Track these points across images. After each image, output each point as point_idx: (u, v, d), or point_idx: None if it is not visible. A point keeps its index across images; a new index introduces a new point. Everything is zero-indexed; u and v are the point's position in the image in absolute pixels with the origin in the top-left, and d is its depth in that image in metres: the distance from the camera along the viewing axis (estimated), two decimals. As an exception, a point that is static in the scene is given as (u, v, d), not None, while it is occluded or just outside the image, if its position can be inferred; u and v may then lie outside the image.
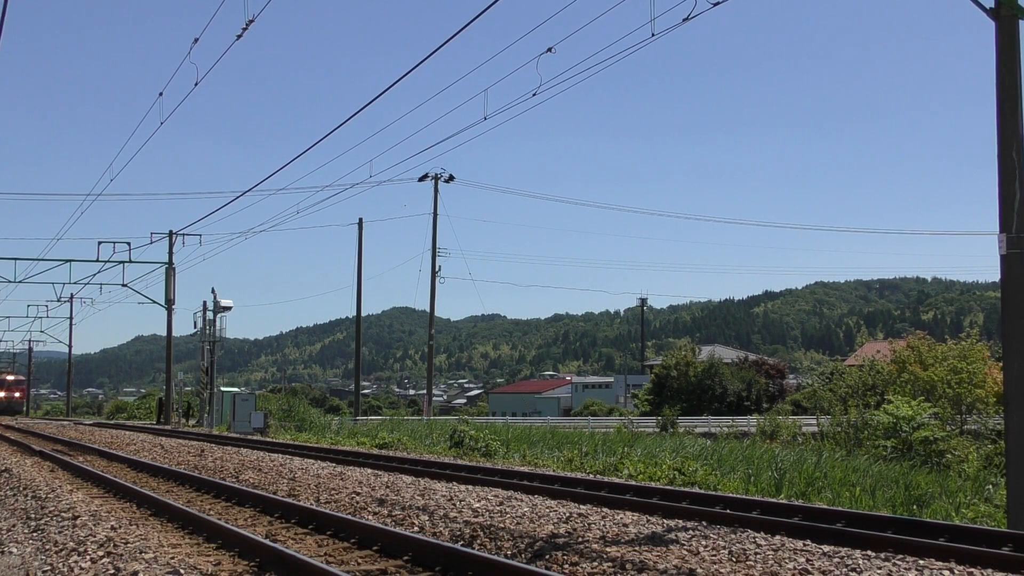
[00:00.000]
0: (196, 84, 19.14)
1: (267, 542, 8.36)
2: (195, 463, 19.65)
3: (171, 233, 49.47)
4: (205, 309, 45.10)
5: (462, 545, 8.91)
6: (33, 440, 31.07)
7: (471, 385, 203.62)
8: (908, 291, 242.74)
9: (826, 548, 8.50)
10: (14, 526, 10.68)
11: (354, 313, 52.37)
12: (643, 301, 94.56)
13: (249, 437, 31.23)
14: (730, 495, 12.76)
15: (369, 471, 16.92)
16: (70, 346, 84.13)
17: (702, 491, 13.82)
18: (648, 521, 10.27)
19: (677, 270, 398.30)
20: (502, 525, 10.03)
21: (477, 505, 11.63)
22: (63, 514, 11.05)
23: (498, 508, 11.32)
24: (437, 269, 50.55)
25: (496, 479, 14.82)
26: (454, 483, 14.60)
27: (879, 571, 7.51)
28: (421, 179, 49.81)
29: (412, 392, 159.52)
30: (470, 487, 13.85)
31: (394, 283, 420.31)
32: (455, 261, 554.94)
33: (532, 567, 7.27)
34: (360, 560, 8.32)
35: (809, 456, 20.00)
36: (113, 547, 8.65)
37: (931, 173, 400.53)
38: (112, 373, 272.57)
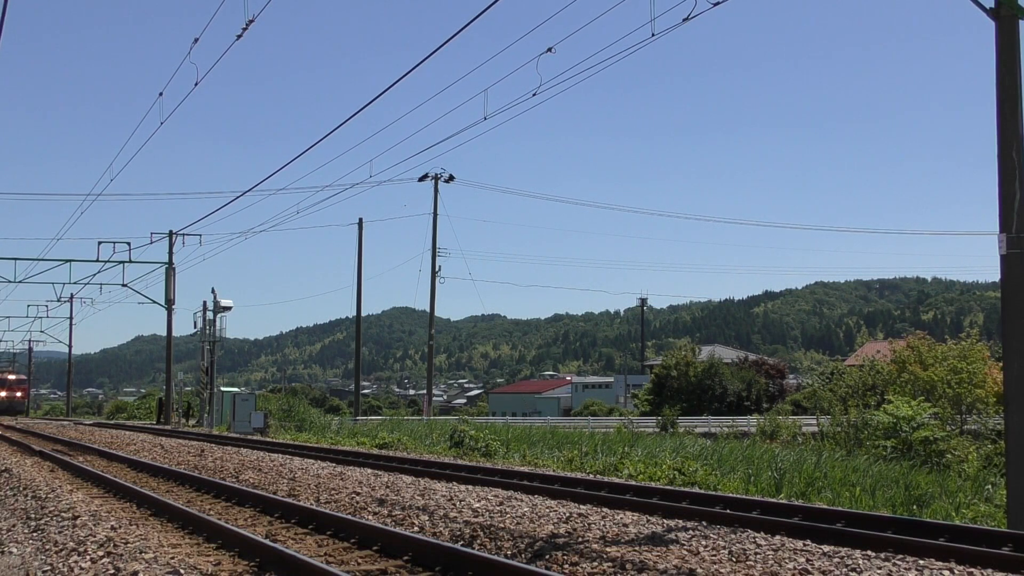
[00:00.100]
0: (196, 84, 19.18)
1: (267, 542, 8.36)
2: (195, 463, 19.65)
3: (171, 233, 49.53)
4: (205, 309, 45.14)
5: (462, 545, 8.91)
6: (33, 440, 31.08)
7: (471, 385, 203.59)
8: (908, 291, 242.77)
9: (826, 548, 8.50)
10: (14, 526, 10.68)
11: (354, 313, 52.45)
12: (643, 301, 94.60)
13: (249, 437, 31.23)
14: (730, 495, 12.77)
15: (369, 471, 16.92)
16: (70, 346, 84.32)
17: (702, 491, 13.82)
18: (648, 521, 10.27)
19: (677, 270, 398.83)
20: (502, 525, 10.03)
21: (477, 505, 11.63)
22: (63, 514, 11.05)
23: (498, 508, 11.32)
24: (437, 269, 50.66)
25: (496, 479, 14.82)
26: (454, 483, 14.60)
27: (879, 571, 7.51)
28: (421, 179, 49.93)
29: (412, 392, 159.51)
30: (470, 487, 13.85)
31: (394, 283, 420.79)
32: (455, 261, 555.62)
33: (532, 567, 7.27)
34: (360, 560, 8.32)
35: (809, 456, 19.97)
36: (113, 547, 8.65)
37: (931, 173, 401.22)
38: (112, 373, 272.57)
